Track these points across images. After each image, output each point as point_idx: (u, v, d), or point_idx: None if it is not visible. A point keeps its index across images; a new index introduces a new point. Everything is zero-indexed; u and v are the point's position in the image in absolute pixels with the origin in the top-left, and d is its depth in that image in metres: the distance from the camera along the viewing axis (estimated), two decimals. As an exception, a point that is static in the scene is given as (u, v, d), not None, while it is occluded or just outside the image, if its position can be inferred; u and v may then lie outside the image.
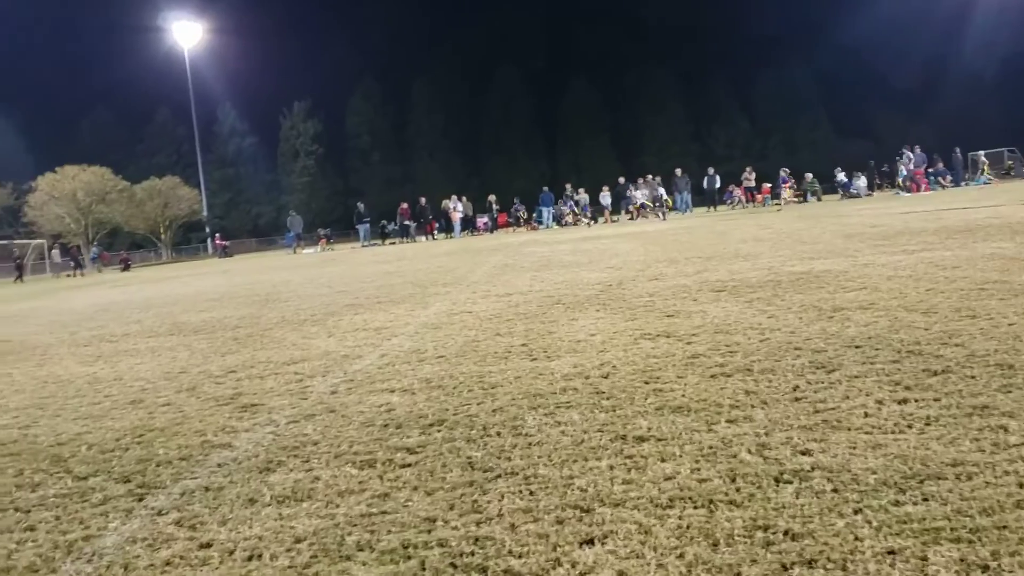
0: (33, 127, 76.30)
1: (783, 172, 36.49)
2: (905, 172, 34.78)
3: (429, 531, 2.28)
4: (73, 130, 78.91)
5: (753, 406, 3.22)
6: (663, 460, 2.69)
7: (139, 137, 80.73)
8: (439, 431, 3.29)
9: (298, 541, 2.30)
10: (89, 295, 17.86)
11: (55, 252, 43.51)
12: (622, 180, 38.10)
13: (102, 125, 80.00)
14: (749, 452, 2.69)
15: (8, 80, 75.88)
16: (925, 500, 2.21)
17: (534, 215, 38.26)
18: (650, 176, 37.74)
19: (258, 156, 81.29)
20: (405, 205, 38.25)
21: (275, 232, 59.32)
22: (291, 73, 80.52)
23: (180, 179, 60.35)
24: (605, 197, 38.05)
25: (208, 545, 2.35)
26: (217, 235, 51.05)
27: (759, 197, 37.30)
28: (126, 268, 40.34)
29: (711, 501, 2.32)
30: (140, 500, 2.83)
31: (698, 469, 2.58)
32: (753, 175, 37.42)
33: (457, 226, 36.19)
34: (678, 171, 36.32)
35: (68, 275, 40.28)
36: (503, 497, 2.49)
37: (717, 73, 79.84)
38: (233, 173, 79.92)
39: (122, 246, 54.45)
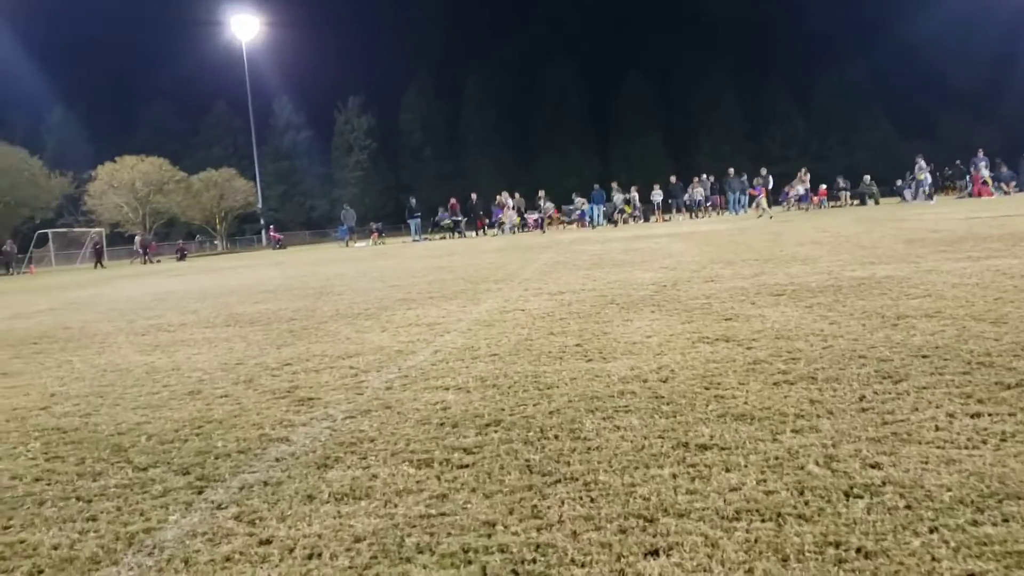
0: (94, 118, 78.31)
1: (758, 178, 35.50)
2: (988, 174, 33.78)
3: (489, 535, 2.25)
4: (132, 121, 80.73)
5: (819, 416, 3.14)
6: (727, 470, 2.63)
7: (196, 129, 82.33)
8: (495, 432, 3.26)
9: (357, 541, 2.29)
10: (147, 284, 18.24)
11: (138, 239, 44.61)
12: (674, 179, 37.74)
13: (161, 117, 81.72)
14: (817, 464, 2.61)
15: (71, 73, 78.00)
16: (1005, 521, 2.12)
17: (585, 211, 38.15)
18: (704, 175, 37.34)
19: (313, 150, 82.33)
20: (454, 200, 38.41)
21: (328, 225, 60.04)
22: (346, 68, 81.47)
23: (236, 171, 61.36)
24: (657, 195, 37.76)
25: (268, 542, 2.35)
26: (271, 227, 51.85)
27: (815, 199, 36.66)
28: (182, 258, 41.17)
29: (779, 514, 2.25)
30: (200, 493, 2.84)
31: (764, 480, 2.51)
32: (808, 176, 36.75)
33: (508, 222, 36.21)
34: (731, 171, 35.85)
35: (139, 263, 41.40)
36: (563, 503, 2.45)
37: (774, 71, 78.59)
38: (288, 166, 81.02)
39: (178, 236, 55.52)
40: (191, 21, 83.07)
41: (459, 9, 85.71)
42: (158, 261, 42.00)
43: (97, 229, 51.41)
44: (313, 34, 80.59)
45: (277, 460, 3.15)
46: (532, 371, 4.40)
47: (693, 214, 35.88)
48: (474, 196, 38.02)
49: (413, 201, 38.65)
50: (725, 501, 2.37)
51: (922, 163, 34.41)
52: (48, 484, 3.07)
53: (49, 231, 48.74)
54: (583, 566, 2.05)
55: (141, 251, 43.14)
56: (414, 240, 36.45)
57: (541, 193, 38.84)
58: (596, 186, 37.93)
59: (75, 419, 4.22)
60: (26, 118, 74.57)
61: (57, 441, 3.75)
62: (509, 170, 72.41)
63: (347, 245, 38.96)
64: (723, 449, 2.83)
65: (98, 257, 42.28)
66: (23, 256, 45.16)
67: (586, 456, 2.86)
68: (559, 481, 2.64)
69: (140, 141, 66.39)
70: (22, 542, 2.49)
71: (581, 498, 2.48)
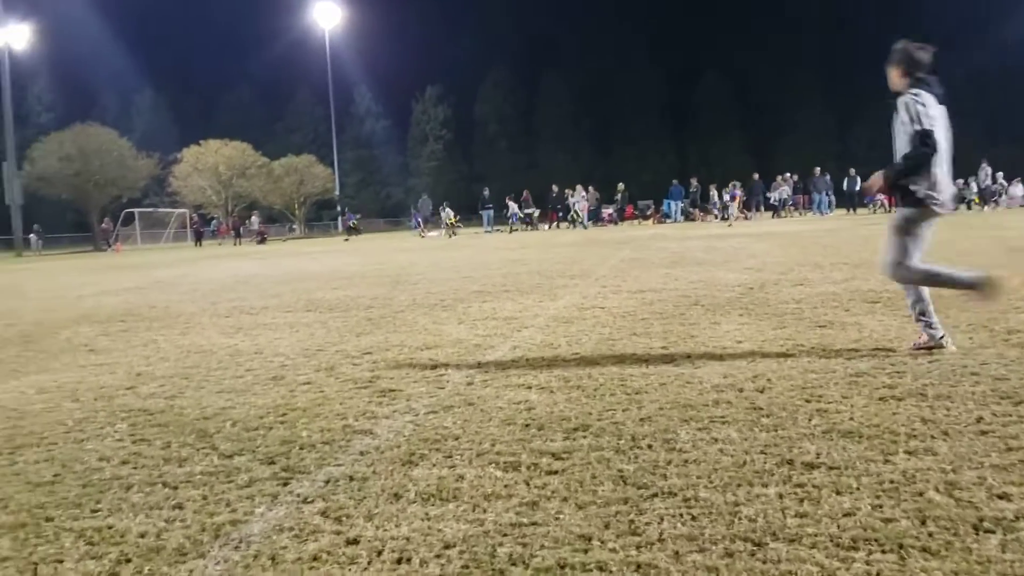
0: (181, 102, 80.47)
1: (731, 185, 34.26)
2: None
3: (585, 551, 2.14)
4: (217, 106, 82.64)
5: (933, 437, 2.93)
6: (839, 492, 2.46)
7: (279, 116, 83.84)
8: (584, 437, 3.14)
9: (447, 547, 2.20)
10: (229, 266, 18.63)
11: (252, 220, 45.74)
12: (756, 176, 36.88)
13: (245, 103, 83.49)
14: (937, 491, 2.42)
15: (160, 58, 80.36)
16: None
17: (662, 208, 37.59)
18: (788, 174, 36.41)
19: (390, 138, 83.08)
20: (527, 193, 38.26)
21: (403, 213, 60.55)
22: (424, 58, 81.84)
23: (316, 158, 62.30)
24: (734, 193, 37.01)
25: (355, 542, 2.28)
26: (348, 212, 52.49)
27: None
28: (262, 241, 41.97)
29: (901, 546, 2.08)
30: (285, 485, 2.80)
31: (880, 506, 2.34)
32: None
33: (584, 216, 35.91)
34: (817, 170, 34.80)
35: (234, 243, 42.60)
36: (662, 520, 2.32)
37: (861, 69, 76.09)
38: (366, 154, 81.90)
39: (259, 219, 56.69)
40: (276, 8, 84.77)
41: (539, 1, 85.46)
42: (251, 242, 42.94)
43: (181, 210, 52.79)
44: (393, 23, 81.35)
45: (362, 454, 3.09)
46: (618, 373, 4.27)
47: (775, 214, 35.05)
48: (555, 188, 37.80)
49: (486, 192, 38.63)
50: (839, 527, 2.21)
51: (989, 168, 33.02)
52: (135, 468, 3.08)
53: (136, 210, 50.26)
54: (688, 591, 1.92)
55: (257, 233, 44.19)
56: (486, 231, 36.46)
57: (620, 187, 38.44)
58: (674, 181, 37.35)
59: (160, 401, 4.26)
60: (117, 100, 77.01)
61: (143, 423, 3.77)
62: (584, 163, 71.81)
63: (420, 235, 39.21)
64: (832, 469, 2.66)
65: (197, 237, 43.99)
66: (103, 233, 46.69)
67: (683, 469, 2.72)
68: (656, 495, 2.51)
69: (224, 126, 67.91)
70: (110, 527, 2.47)
71: (681, 515, 2.34)
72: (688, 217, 35.69)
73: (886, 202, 35.54)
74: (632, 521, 2.32)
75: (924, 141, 4.13)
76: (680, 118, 79.70)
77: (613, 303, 7.24)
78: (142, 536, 2.39)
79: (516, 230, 35.83)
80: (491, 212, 37.52)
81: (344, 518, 2.46)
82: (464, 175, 79.80)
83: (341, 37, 67.58)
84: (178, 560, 2.22)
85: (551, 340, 5.46)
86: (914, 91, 4.28)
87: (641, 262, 12.08)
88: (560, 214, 37.34)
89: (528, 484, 2.66)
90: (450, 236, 34.74)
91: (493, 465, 2.87)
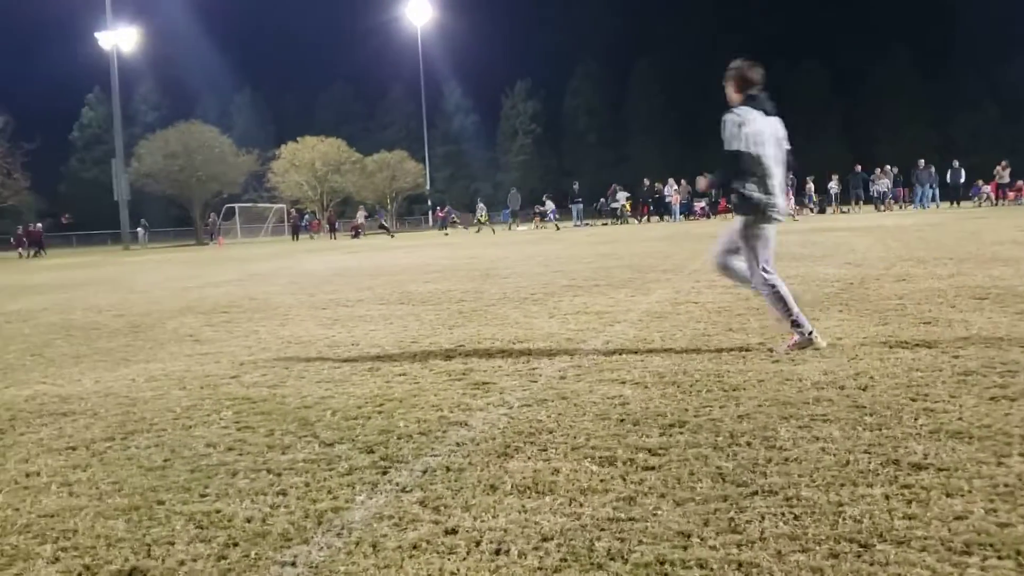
0: (278, 100, 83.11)
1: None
2: None
3: (685, 547, 2.11)
4: (313, 104, 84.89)
5: (1053, 441, 2.78)
6: (949, 495, 2.36)
7: (372, 112, 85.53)
8: (681, 433, 3.10)
9: (545, 540, 2.20)
10: (324, 259, 19.10)
11: (359, 215, 46.94)
12: (859, 168, 35.63)
13: (340, 100, 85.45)
14: (1059, 498, 2.30)
15: (259, 57, 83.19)
16: None
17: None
18: (888, 166, 35.10)
19: (479, 133, 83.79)
20: (621, 190, 38.02)
21: (492, 208, 61.00)
22: (514, 53, 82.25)
23: (407, 153, 63.29)
24: (834, 186, 35.90)
25: (453, 532, 2.30)
26: (438, 207, 53.13)
27: (1011, 194, 33.70)
28: (356, 236, 42.88)
29: (1019, 552, 1.98)
30: (384, 473, 2.85)
31: (994, 511, 2.23)
32: (1008, 170, 33.75)
33: (676, 210, 35.44)
34: (921, 162, 33.38)
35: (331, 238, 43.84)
36: (763, 518, 2.26)
37: (962, 57, 72.66)
38: (455, 149, 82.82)
39: (351, 214, 57.87)
40: (371, 7, 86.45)
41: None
42: (334, 237, 44.01)
43: (279, 205, 54.34)
44: (484, 19, 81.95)
45: (458, 445, 3.12)
46: (714, 369, 4.20)
47: (875, 207, 33.86)
48: (646, 181, 37.45)
49: (576, 186, 38.50)
50: (950, 531, 2.12)
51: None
52: (240, 454, 3.18)
53: (236, 205, 52.07)
54: (793, 593, 1.87)
55: (352, 228, 45.33)
56: (575, 225, 36.36)
57: (711, 180, 37.67)
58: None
59: (263, 389, 4.39)
60: (218, 99, 79.99)
61: (247, 411, 3.90)
62: (675, 157, 70.73)
63: (509, 228, 39.40)
64: (941, 470, 2.55)
65: (295, 231, 45.36)
66: (208, 227, 48.56)
67: (784, 468, 2.66)
68: (756, 493, 2.45)
69: (320, 123, 69.78)
70: (218, 512, 2.57)
71: (783, 514, 2.28)
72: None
73: (992, 195, 34.01)
74: (732, 519, 2.27)
75: (729, 161, 4.53)
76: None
77: (707, 298, 7.12)
78: (248, 521, 2.47)
79: (606, 223, 35.59)
80: (581, 206, 37.35)
81: (442, 508, 2.49)
82: (553, 169, 79.76)
83: (432, 34, 68.43)
84: (283, 545, 2.28)
85: (644, 335, 5.41)
86: (739, 108, 4.58)
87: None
88: (651, 207, 36.90)
89: (624, 479, 2.64)
90: (476, 231, 34.92)
91: (588, 459, 2.86)
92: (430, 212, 59.19)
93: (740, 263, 4.84)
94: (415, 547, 2.22)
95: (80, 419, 3.91)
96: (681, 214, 35.45)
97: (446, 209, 47.95)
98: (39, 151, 42.83)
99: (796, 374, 3.97)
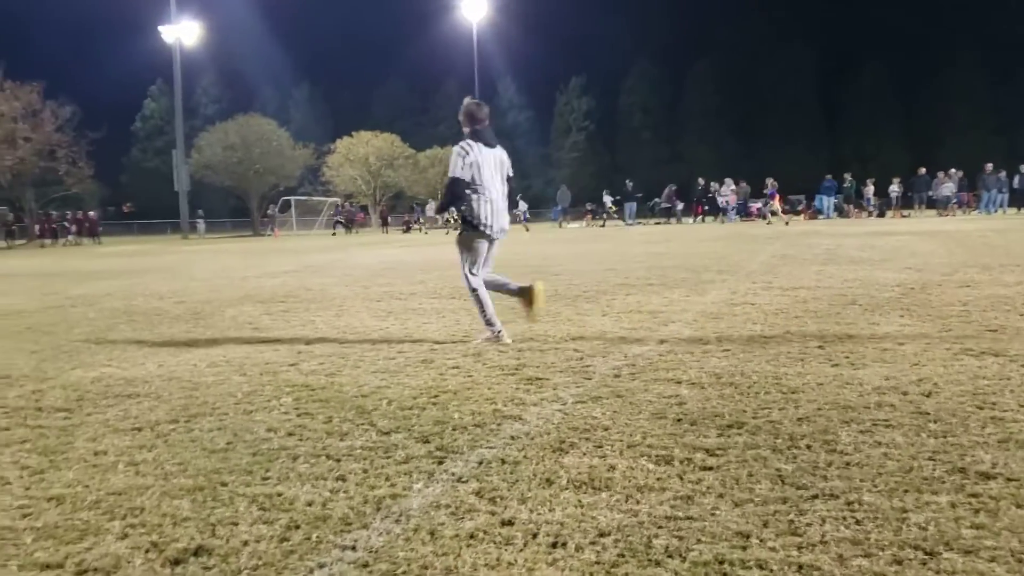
0: (335, 95, 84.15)
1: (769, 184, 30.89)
2: None
3: (744, 548, 2.09)
4: (369, 99, 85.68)
5: None
6: (1019, 506, 2.30)
7: (425, 108, 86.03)
8: (739, 435, 3.07)
9: (602, 535, 2.20)
10: (377, 253, 19.29)
11: (428, 207, 47.32)
12: (923, 170, 34.78)
13: (394, 95, 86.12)
14: None
15: (316, 53, 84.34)
16: None
17: (814, 203, 36.19)
18: (953, 170, 34.19)
19: (532, 130, 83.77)
20: (676, 187, 37.69)
21: (543, 205, 60.85)
22: (569, 48, 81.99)
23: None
24: (895, 188, 35.13)
25: (510, 523, 2.32)
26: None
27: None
28: (407, 230, 43.22)
29: (1093, 569, 1.93)
30: (440, 463, 2.88)
31: (1067, 524, 2.17)
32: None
33: (731, 210, 35.01)
34: (989, 166, 32.37)
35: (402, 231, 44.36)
36: (824, 521, 2.24)
37: (1026, 64, 70.44)
38: (507, 146, 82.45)
39: (403, 209, 58.33)
40: (427, 3, 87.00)
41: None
42: (386, 232, 44.42)
43: (333, 199, 55.06)
44: (539, 15, 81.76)
45: (512, 438, 3.14)
46: (772, 371, 4.14)
47: (938, 211, 33.05)
48: (701, 180, 37.06)
49: (630, 184, 38.23)
50: (1021, 542, 2.07)
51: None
52: (300, 440, 3.24)
53: (292, 198, 52.88)
54: (856, 598, 1.85)
55: (404, 222, 45.77)
56: (627, 224, 36.15)
57: (769, 181, 37.21)
58: (828, 176, 35.82)
59: (321, 377, 4.46)
60: (277, 93, 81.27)
61: (306, 398, 3.97)
62: (730, 156, 69.86)
63: (560, 226, 39.33)
64: (1011, 480, 2.49)
65: (348, 224, 45.95)
66: (267, 219, 49.39)
67: (845, 472, 2.62)
68: (816, 496, 2.42)
69: (376, 118, 70.39)
70: (279, 495, 2.62)
71: (844, 518, 2.25)
72: (841, 213, 34.16)
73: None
74: (792, 521, 2.25)
75: (449, 186, 5.45)
76: (834, 110, 76.26)
77: (764, 300, 7.03)
78: (309, 504, 2.52)
79: (659, 223, 35.32)
80: (635, 204, 37.07)
81: (498, 499, 2.50)
82: (606, 166, 79.40)
83: (487, 29, 68.49)
84: (343, 529, 2.32)
85: (700, 336, 5.36)
86: (466, 142, 5.51)
87: (792, 258, 11.67)
88: (706, 207, 36.49)
89: (682, 478, 2.63)
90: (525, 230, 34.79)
91: (645, 458, 2.85)
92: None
93: (491, 273, 5.78)
94: (472, 536, 2.23)
95: (144, 401, 4.02)
96: (737, 215, 34.98)
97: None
98: (103, 141, 44.04)
99: (856, 378, 3.90)
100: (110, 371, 4.88)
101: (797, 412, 3.34)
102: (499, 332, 5.49)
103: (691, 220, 35.64)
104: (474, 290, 5.59)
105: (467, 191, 5.39)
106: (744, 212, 35.79)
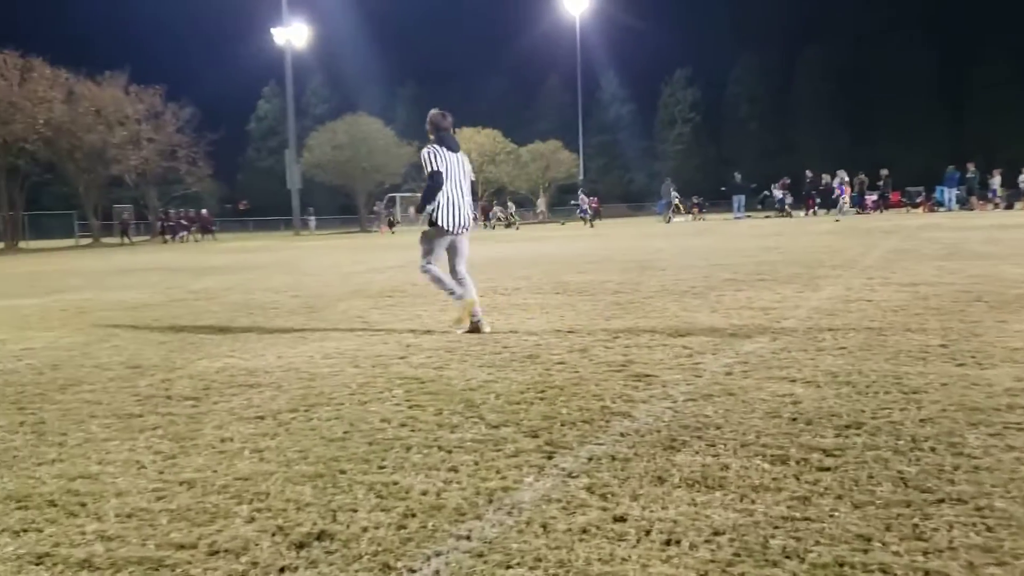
0: (439, 92, 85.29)
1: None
2: None
3: (865, 551, 2.03)
4: (472, 95, 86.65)
5: None
6: None
7: (528, 103, 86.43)
8: (858, 435, 2.97)
9: (717, 534, 2.18)
10: (480, 249, 19.50)
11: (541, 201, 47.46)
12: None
13: (498, 92, 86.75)
14: None
15: (420, 52, 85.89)
16: None
17: (934, 195, 34.57)
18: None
19: (635, 123, 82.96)
20: (788, 180, 36.64)
21: (646, 198, 60.20)
22: (674, 40, 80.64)
23: (561, 143, 63.47)
24: (1023, 180, 33.24)
25: (622, 519, 2.32)
26: (580, 195, 52.96)
27: None
28: (508, 225, 43.44)
29: None
30: (549, 458, 2.90)
31: None
32: None
33: (843, 203, 33.80)
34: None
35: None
36: (952, 527, 2.15)
37: None
38: (610, 139, 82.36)
39: (502, 204, 58.77)
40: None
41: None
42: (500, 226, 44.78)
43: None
44: (643, 6, 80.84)
45: (622, 435, 3.13)
46: (892, 371, 3.99)
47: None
48: (809, 172, 35.93)
49: (738, 176, 37.38)
50: None
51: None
52: (412, 431, 3.32)
53: (396, 195, 53.99)
54: (988, 608, 1.77)
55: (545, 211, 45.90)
56: (735, 217, 35.36)
57: (883, 172, 35.73)
58: (950, 167, 34.15)
59: (430, 371, 4.56)
60: (382, 92, 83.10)
61: (416, 390, 4.06)
62: (841, 147, 67.26)
63: (665, 220, 38.82)
64: None
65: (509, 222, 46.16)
66: (373, 216, 50.63)
67: (974, 476, 2.51)
68: (943, 501, 2.33)
69: (479, 114, 70.99)
70: (395, 483, 2.69)
71: (974, 524, 2.16)
72: (964, 206, 32.52)
73: None
74: (916, 525, 2.17)
75: (430, 180, 5.96)
76: (956, 99, 72.53)
77: (882, 296, 6.77)
78: (424, 494, 2.58)
79: (769, 216, 34.42)
80: (743, 197, 36.21)
81: (609, 495, 2.50)
82: (711, 158, 77.98)
83: (590, 23, 68.14)
84: (457, 519, 2.37)
85: (814, 333, 5.21)
86: (432, 146, 6.06)
87: (911, 253, 11.19)
88: (818, 200, 35.31)
89: (798, 479, 2.57)
90: (507, 226, 34.41)
91: (759, 457, 2.80)
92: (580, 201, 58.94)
93: (438, 269, 6.22)
94: (584, 531, 2.24)
95: (266, 391, 4.20)
96: (852, 207, 33.74)
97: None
98: (221, 141, 46.10)
99: (984, 379, 3.72)
100: (233, 361, 5.11)
101: (920, 413, 3.21)
102: (460, 295, 6.08)
103: (802, 214, 34.56)
104: (425, 272, 6.19)
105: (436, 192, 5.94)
106: (859, 205, 34.48)
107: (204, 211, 45.48)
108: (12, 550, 2.30)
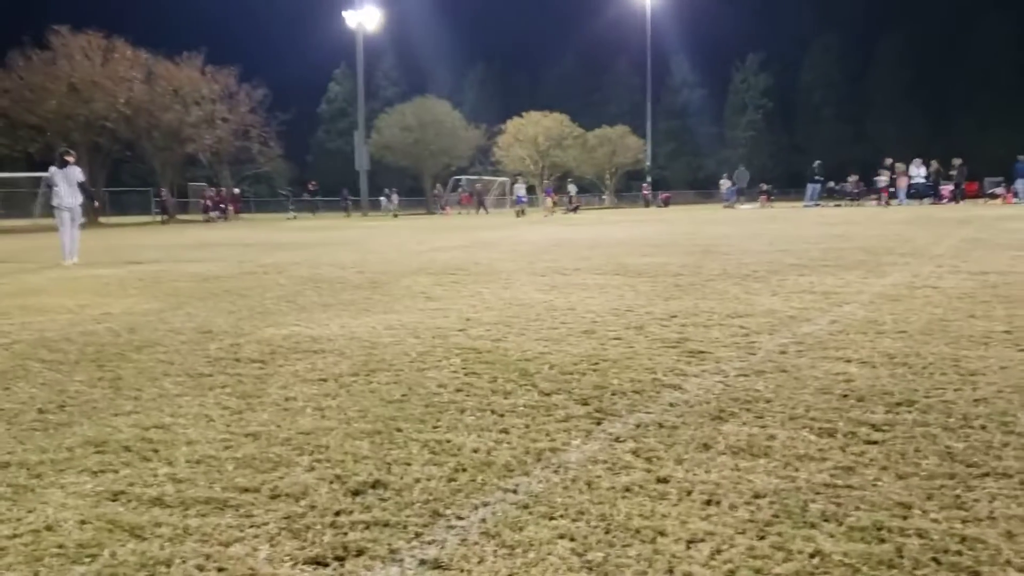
0: (508, 75, 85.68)
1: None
2: None
3: (904, 518, 2.06)
4: (540, 79, 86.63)
5: None
6: None
7: (596, 87, 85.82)
8: (908, 412, 2.98)
9: (757, 496, 2.23)
10: (544, 231, 19.58)
11: (572, 189, 47.59)
12: None
13: (566, 75, 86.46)
14: None
15: (491, 35, 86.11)
16: None
17: (1014, 185, 33.36)
18: None
19: (705, 108, 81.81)
20: (857, 177, 35.80)
21: (714, 185, 59.47)
22: (747, 24, 79.24)
23: (629, 128, 63.00)
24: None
25: (665, 480, 2.38)
26: (645, 185, 52.59)
27: None
28: (575, 210, 43.43)
29: None
30: (598, 424, 2.98)
31: None
32: None
33: (902, 192, 32.81)
34: None
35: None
36: (994, 499, 2.16)
37: None
38: (679, 124, 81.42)
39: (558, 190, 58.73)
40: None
41: (880, -40, 78.65)
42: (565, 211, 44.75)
43: (502, 178, 56.04)
44: (716, -9, 79.51)
45: (671, 405, 3.19)
46: (950, 354, 3.95)
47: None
48: (889, 161, 35.00)
49: (817, 164, 36.56)
50: None
51: None
52: (467, 395, 3.43)
53: (462, 178, 54.36)
54: (1022, 570, 1.79)
55: (570, 201, 46.04)
56: (805, 205, 34.69)
57: (956, 162, 34.59)
58: (1021, 156, 32.87)
59: (487, 342, 4.67)
60: (451, 74, 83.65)
61: (473, 360, 4.17)
62: (918, 135, 65.29)
63: (734, 207, 38.31)
64: None
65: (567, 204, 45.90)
66: (437, 197, 51.13)
67: (1022, 453, 2.50)
68: (988, 475, 2.34)
69: (546, 97, 70.93)
70: (448, 441, 2.80)
71: (1017, 497, 2.17)
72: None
73: None
74: (958, 496, 2.19)
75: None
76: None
77: (949, 284, 6.64)
78: (475, 451, 2.69)
79: (839, 205, 33.70)
80: (817, 186, 35.47)
81: (654, 459, 2.57)
82: (783, 146, 76.53)
83: (661, 5, 67.24)
84: (506, 475, 2.47)
85: (875, 317, 5.16)
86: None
87: (985, 243, 10.89)
88: (892, 189, 34.40)
89: (844, 450, 2.60)
90: (545, 216, 33.91)
91: (807, 429, 2.83)
92: (647, 188, 58.43)
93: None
94: (627, 490, 2.32)
95: (329, 357, 4.36)
96: (926, 196, 32.77)
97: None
98: (291, 122, 47.02)
99: (1046, 364, 3.66)
100: (299, 330, 5.30)
101: (974, 394, 3.19)
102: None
103: (875, 203, 33.72)
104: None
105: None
106: (935, 194, 33.50)
107: (236, 190, 46.22)
108: (91, 487, 2.48)
